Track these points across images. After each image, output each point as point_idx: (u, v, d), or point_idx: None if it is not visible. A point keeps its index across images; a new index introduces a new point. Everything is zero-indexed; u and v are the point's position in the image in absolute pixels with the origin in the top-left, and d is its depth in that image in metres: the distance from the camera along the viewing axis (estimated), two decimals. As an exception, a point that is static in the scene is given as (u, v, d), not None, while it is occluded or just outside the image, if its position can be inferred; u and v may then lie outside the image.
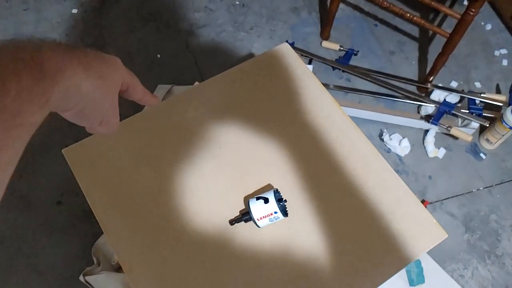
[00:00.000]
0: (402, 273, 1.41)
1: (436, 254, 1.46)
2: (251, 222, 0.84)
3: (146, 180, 0.89)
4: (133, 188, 0.89)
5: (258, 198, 0.83)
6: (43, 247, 1.42)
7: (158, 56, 1.80)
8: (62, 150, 0.92)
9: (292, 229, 0.85)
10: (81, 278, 1.33)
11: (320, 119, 0.98)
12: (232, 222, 0.86)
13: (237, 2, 1.93)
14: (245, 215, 0.85)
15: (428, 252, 1.46)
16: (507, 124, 1.52)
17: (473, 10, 1.38)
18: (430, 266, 1.44)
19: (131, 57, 1.79)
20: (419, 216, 0.89)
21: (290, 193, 0.88)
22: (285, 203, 0.84)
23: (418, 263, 1.43)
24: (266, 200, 0.82)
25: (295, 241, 0.85)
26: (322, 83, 1.63)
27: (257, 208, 0.82)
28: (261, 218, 0.82)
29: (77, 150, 0.93)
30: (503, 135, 1.56)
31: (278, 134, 0.96)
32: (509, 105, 1.59)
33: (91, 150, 0.93)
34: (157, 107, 0.98)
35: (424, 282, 1.41)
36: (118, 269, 1.36)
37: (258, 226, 0.84)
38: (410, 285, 1.40)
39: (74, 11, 1.89)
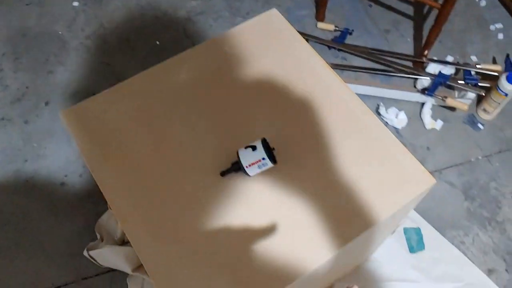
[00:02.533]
0: (402, 240, 1.42)
1: (436, 222, 1.47)
2: (243, 172, 0.87)
3: (141, 138, 0.92)
4: (129, 147, 0.92)
5: (246, 147, 0.86)
6: (48, 226, 1.46)
7: (157, 43, 1.84)
8: (60, 112, 0.95)
9: (282, 177, 0.88)
10: (85, 253, 1.36)
11: (308, 77, 1.00)
12: (224, 173, 0.89)
13: (230, -11, 1.97)
14: (235, 165, 0.87)
15: (428, 220, 1.46)
16: (502, 91, 1.53)
17: (462, -23, 1.40)
18: (430, 234, 1.44)
19: (131, 45, 1.83)
20: (408, 164, 0.91)
21: (280, 144, 0.90)
22: (274, 151, 0.87)
23: (418, 231, 1.44)
24: (254, 148, 0.85)
25: (285, 189, 0.87)
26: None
27: (245, 155, 0.85)
28: (250, 166, 0.85)
29: (74, 112, 0.96)
30: (499, 103, 1.57)
31: (268, 92, 0.98)
32: (503, 72, 1.59)
33: (88, 112, 0.96)
34: (151, 71, 1.02)
35: (424, 248, 1.41)
36: (122, 243, 1.39)
37: (248, 175, 0.87)
38: (410, 251, 1.41)
39: (75, 3, 1.94)
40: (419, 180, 0.90)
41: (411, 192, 0.88)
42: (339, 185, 0.87)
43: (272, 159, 0.85)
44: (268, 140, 0.87)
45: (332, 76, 1.00)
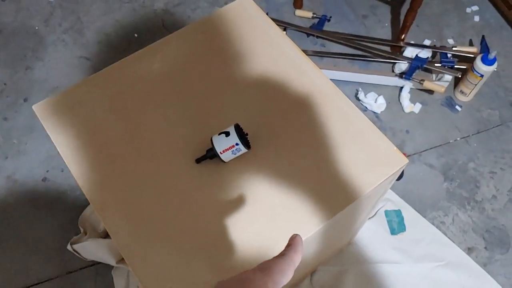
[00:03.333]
0: (383, 222, 1.44)
1: (417, 203, 1.49)
2: (217, 158, 0.88)
3: (116, 129, 0.93)
4: (104, 138, 0.92)
5: (220, 134, 0.87)
6: (31, 222, 1.46)
7: (136, 35, 1.83)
8: (33, 106, 0.95)
9: (257, 162, 0.89)
10: (68, 247, 1.37)
11: (281, 61, 1.01)
12: (199, 160, 0.90)
13: (210, -21, 1.97)
14: (209, 151, 0.88)
15: (409, 202, 1.49)
16: (478, 73, 1.55)
17: (434, -40, 1.41)
18: (410, 215, 1.47)
19: (109, 39, 1.82)
20: (381, 145, 0.92)
21: (254, 129, 0.91)
22: (247, 137, 0.88)
23: (399, 213, 1.46)
24: (227, 134, 0.86)
25: (261, 173, 0.88)
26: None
27: (219, 142, 0.86)
28: (224, 151, 0.86)
29: (47, 105, 0.96)
30: (476, 85, 1.59)
31: (242, 78, 0.99)
32: (479, 54, 1.61)
33: (61, 104, 0.96)
34: (125, 61, 1.02)
35: (405, 230, 1.44)
36: (105, 236, 1.40)
37: (223, 161, 0.88)
38: (392, 233, 1.43)
39: (51, -2, 1.93)
40: (392, 160, 0.91)
41: (384, 172, 0.89)
42: (314, 168, 0.88)
43: (246, 144, 0.86)
44: (241, 126, 0.88)
45: (305, 61, 1.00)
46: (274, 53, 1.02)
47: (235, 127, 0.86)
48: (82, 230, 1.41)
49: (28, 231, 1.45)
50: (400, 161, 0.92)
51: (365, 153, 0.90)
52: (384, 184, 0.93)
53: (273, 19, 1.80)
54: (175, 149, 0.90)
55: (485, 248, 1.44)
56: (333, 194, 0.86)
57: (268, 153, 0.90)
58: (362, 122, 0.94)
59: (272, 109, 0.95)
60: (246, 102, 0.96)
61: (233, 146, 0.85)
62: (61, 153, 0.91)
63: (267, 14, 1.84)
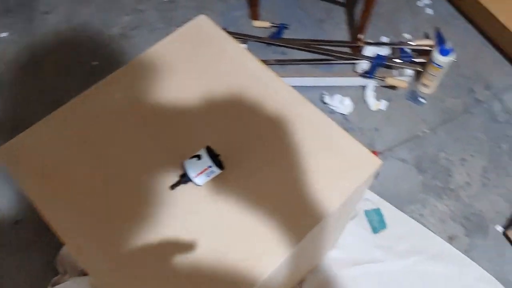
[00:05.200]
0: (364, 223, 1.45)
1: (394, 199, 1.51)
2: (192, 183, 0.86)
3: (84, 164, 0.90)
4: (73, 175, 0.89)
5: (192, 158, 0.86)
6: (7, 267, 1.40)
7: (95, 63, 1.80)
8: (-5, 150, 0.92)
9: (231, 182, 0.88)
10: (49, 289, 1.32)
11: (244, 77, 1.00)
12: (173, 186, 0.88)
13: (164, -1, 1.96)
14: (183, 177, 0.87)
15: (386, 199, 1.50)
16: (437, 64, 1.59)
17: (382, -40, 1.44)
18: (390, 212, 1.48)
19: (69, 69, 1.79)
20: (353, 149, 0.93)
21: (225, 149, 0.90)
22: (219, 157, 0.87)
23: (378, 211, 1.47)
24: (199, 157, 0.85)
25: (236, 193, 0.87)
26: (261, 60, 1.65)
27: (191, 166, 0.84)
28: (197, 175, 0.84)
29: (9, 149, 0.93)
30: (436, 76, 1.63)
31: (206, 99, 0.98)
32: (436, 46, 1.64)
33: (24, 146, 0.93)
34: (86, 94, 0.99)
35: (386, 227, 1.45)
36: (86, 273, 1.36)
37: (198, 184, 0.86)
38: (374, 232, 1.44)
39: (4, 34, 1.88)
40: (365, 163, 0.91)
41: (359, 177, 0.90)
42: (288, 182, 0.87)
43: (219, 165, 0.85)
44: (212, 147, 0.87)
45: (267, 72, 1.00)
46: (236, 70, 1.01)
47: (206, 149, 0.85)
48: (61, 270, 1.36)
49: (4, 278, 1.39)
50: (373, 163, 0.92)
51: (338, 159, 0.91)
52: (361, 187, 0.93)
53: (232, 33, 1.82)
54: (148, 178, 0.89)
55: (466, 235, 1.47)
56: (309, 207, 0.85)
57: (241, 171, 0.89)
58: (331, 129, 0.95)
59: (240, 126, 0.94)
60: (215, 122, 0.95)
61: (206, 169, 0.84)
62: (30, 197, 0.88)
63: (225, 29, 1.84)
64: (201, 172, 0.84)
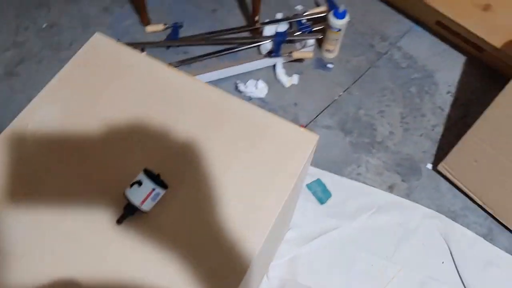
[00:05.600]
0: (310, 197, 1.47)
1: (331, 166, 1.54)
2: (139, 211, 0.81)
3: (16, 221, 0.82)
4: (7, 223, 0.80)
5: (132, 185, 0.80)
6: None
7: (-14, 111, 1.64)
8: None
9: (177, 200, 0.84)
10: None
11: (160, 87, 0.96)
12: (120, 220, 0.82)
13: (44, 25, 1.82)
14: (127, 208, 0.81)
15: (323, 168, 1.53)
16: (335, 28, 1.63)
17: None
18: (330, 179, 1.52)
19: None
20: (289, 131, 0.93)
21: (163, 166, 0.85)
22: (160, 177, 0.82)
23: (319, 182, 1.50)
24: (140, 183, 0.79)
25: (187, 209, 0.83)
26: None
27: (134, 194, 0.79)
28: (143, 202, 0.79)
29: None
30: (337, 39, 1.68)
31: (128, 121, 0.92)
32: (329, 11, 1.69)
33: None
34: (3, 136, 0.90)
35: (331, 195, 1.48)
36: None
37: (146, 211, 0.81)
38: (321, 203, 1.47)
39: None
40: (303, 141, 0.92)
41: (302, 156, 0.90)
42: (236, 181, 0.85)
43: (162, 185, 0.81)
44: (150, 169, 0.83)
45: (178, 76, 0.97)
46: (150, 81, 0.96)
47: (144, 172, 0.80)
48: None
49: None
50: (311, 139, 0.93)
51: (277, 145, 0.90)
52: (306, 165, 0.94)
53: (128, 44, 1.73)
54: (91, 217, 0.82)
55: (402, 180, 1.54)
56: (263, 201, 0.84)
57: (186, 185, 0.85)
58: (262, 116, 0.94)
59: (170, 138, 0.90)
60: (143, 142, 0.90)
61: (150, 193, 0.79)
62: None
63: (118, 40, 1.76)
64: (146, 198, 0.79)
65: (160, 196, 0.81)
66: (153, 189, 0.79)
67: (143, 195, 0.79)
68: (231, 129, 0.91)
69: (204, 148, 0.89)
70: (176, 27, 1.79)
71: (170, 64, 1.69)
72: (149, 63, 0.99)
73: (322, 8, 1.78)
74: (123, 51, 1.01)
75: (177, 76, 0.97)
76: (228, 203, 0.83)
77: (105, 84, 0.96)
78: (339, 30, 1.64)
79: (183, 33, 1.80)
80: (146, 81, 0.96)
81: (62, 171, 0.86)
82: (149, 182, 0.79)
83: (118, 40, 1.75)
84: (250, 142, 0.90)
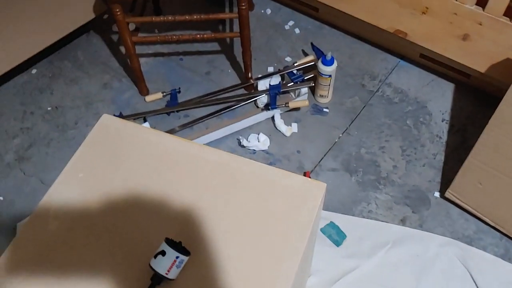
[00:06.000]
0: (326, 240, 1.49)
1: (341, 207, 1.58)
2: (165, 281, 0.84)
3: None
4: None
5: (156, 256, 0.84)
6: None
7: (1, 198, 1.69)
8: None
9: (201, 263, 0.87)
10: None
11: (171, 158, 1.01)
12: (148, 292, 0.86)
13: (49, 108, 1.90)
14: (154, 278, 0.84)
15: (334, 210, 1.56)
16: (325, 75, 1.71)
17: (243, 4, 1.54)
18: (343, 221, 1.54)
19: (-25, 216, 1.66)
20: (295, 183, 0.97)
21: (182, 234, 0.89)
22: (182, 244, 0.86)
23: (333, 225, 1.53)
24: (163, 253, 0.83)
25: (210, 273, 0.86)
26: (167, 131, 1.70)
27: (159, 264, 0.83)
28: (169, 271, 0.83)
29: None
30: (328, 85, 1.75)
31: (145, 192, 0.97)
32: (318, 59, 1.77)
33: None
34: (16, 235, 0.94)
35: (346, 236, 1.51)
36: None
37: (172, 279, 0.85)
38: (337, 245, 1.49)
39: None
40: (312, 191, 0.96)
41: (313, 206, 0.94)
42: (253, 239, 0.89)
43: (184, 252, 0.84)
44: (171, 237, 0.86)
45: (184, 144, 1.02)
46: (161, 153, 1.02)
47: (166, 242, 0.84)
48: None
49: None
50: (319, 188, 0.97)
51: (288, 199, 0.94)
52: (318, 214, 0.97)
53: (130, 115, 1.81)
54: (119, 294, 0.85)
55: (413, 212, 1.57)
56: (281, 255, 0.87)
57: (207, 249, 0.88)
58: (269, 173, 0.98)
59: (185, 207, 0.94)
60: (159, 213, 0.94)
61: (175, 262, 0.83)
62: None
63: (120, 113, 1.84)
64: (171, 266, 0.82)
65: (184, 263, 0.84)
66: (177, 257, 0.83)
67: (168, 264, 0.82)
68: (241, 190, 0.96)
69: (219, 211, 0.93)
70: (174, 93, 1.87)
71: (173, 129, 1.76)
72: (156, 135, 1.05)
73: (311, 57, 1.87)
74: (130, 127, 1.07)
75: (183, 144, 1.02)
76: (248, 261, 0.86)
77: (118, 162, 1.01)
78: (330, 76, 1.71)
79: (181, 97, 1.88)
80: (155, 153, 1.01)
81: (87, 249, 0.90)
82: (172, 250, 0.83)
83: (120, 113, 1.83)
84: (261, 199, 0.94)
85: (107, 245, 0.90)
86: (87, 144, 1.05)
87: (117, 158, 1.02)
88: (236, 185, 0.96)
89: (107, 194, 0.97)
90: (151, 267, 0.83)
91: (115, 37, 2.12)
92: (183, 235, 0.89)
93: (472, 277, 1.42)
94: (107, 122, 1.10)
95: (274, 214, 0.92)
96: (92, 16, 1.94)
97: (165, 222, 0.92)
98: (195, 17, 1.60)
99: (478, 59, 1.63)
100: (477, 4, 1.55)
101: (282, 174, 0.98)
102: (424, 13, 1.66)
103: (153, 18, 1.62)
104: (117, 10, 1.56)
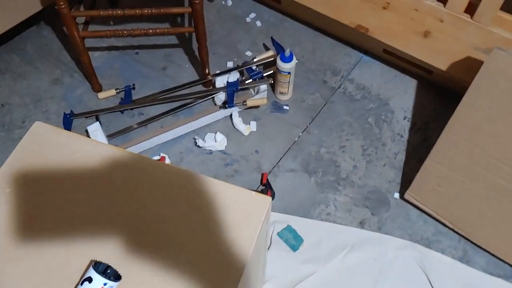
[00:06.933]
0: (282, 245, 1.45)
1: (299, 210, 1.53)
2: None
3: None
4: None
5: (82, 283, 0.77)
6: None
7: None
8: None
9: (135, 287, 0.81)
10: None
11: (105, 168, 0.94)
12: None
13: (-6, 106, 1.79)
14: (79, 309, 0.78)
15: (291, 213, 1.52)
16: (284, 71, 1.65)
17: (196, -2, 1.46)
18: (300, 224, 1.50)
19: None
20: (240, 197, 0.91)
21: (115, 254, 0.83)
22: (111, 269, 0.80)
23: (290, 228, 1.48)
24: (90, 279, 0.77)
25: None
26: (120, 130, 1.62)
27: (84, 293, 0.76)
28: (94, 301, 0.77)
29: None
30: (288, 82, 1.69)
31: (75, 206, 0.90)
32: (277, 55, 1.70)
33: None
34: None
35: (303, 240, 1.46)
36: None
37: (99, 309, 0.78)
38: (294, 250, 1.44)
39: None
40: (257, 205, 0.91)
41: (258, 220, 0.89)
42: (195, 260, 0.83)
43: (114, 277, 0.78)
44: (99, 259, 0.80)
45: (122, 154, 0.95)
46: (92, 165, 0.95)
47: (93, 266, 0.78)
48: None
49: None
50: (265, 201, 0.92)
51: (232, 213, 0.89)
52: (263, 227, 0.92)
53: (81, 113, 1.72)
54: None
55: (372, 214, 1.54)
56: (225, 267, 0.82)
57: (140, 274, 0.82)
58: (210, 184, 0.93)
59: (120, 223, 0.88)
60: (89, 230, 0.87)
61: (101, 289, 0.77)
62: None
63: (71, 112, 1.74)
64: (97, 295, 0.76)
65: (113, 290, 0.78)
66: (105, 284, 0.76)
67: (94, 292, 0.76)
68: (183, 203, 0.90)
69: (158, 228, 0.87)
70: (128, 90, 1.78)
71: (127, 128, 1.68)
72: (92, 145, 0.98)
73: (270, 52, 1.80)
74: (64, 137, 0.99)
75: (121, 155, 0.96)
76: (188, 280, 0.81)
77: (48, 175, 0.94)
78: (289, 73, 1.65)
79: (136, 94, 1.80)
80: (90, 165, 0.94)
81: (5, 273, 0.82)
82: (99, 276, 0.76)
83: (71, 111, 1.74)
84: (204, 214, 0.89)
85: (29, 268, 0.83)
86: (15, 155, 0.97)
87: (48, 171, 0.94)
88: (177, 199, 0.90)
89: (35, 211, 0.89)
90: (76, 296, 0.77)
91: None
92: (115, 256, 0.83)
93: (429, 281, 1.40)
94: (40, 130, 1.02)
95: (218, 229, 0.86)
96: (39, 7, 1.82)
97: (96, 242, 0.86)
98: (146, 11, 1.51)
99: (439, 57, 1.59)
100: (438, 0, 1.50)
101: (226, 187, 0.93)
102: (385, 9, 1.60)
103: (101, 12, 1.52)
104: (61, 3, 1.46)
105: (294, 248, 1.45)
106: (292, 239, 1.46)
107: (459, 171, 1.37)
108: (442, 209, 1.47)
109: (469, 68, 1.54)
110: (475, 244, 1.46)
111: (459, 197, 1.41)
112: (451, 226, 1.47)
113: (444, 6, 1.49)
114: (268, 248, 1.44)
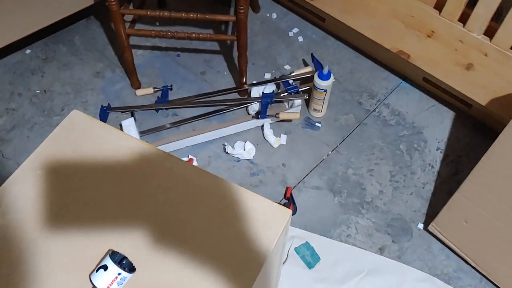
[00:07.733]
0: (298, 261, 1.44)
1: (319, 228, 1.52)
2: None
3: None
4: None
5: (97, 270, 0.79)
6: None
7: (-23, 178, 1.65)
8: None
9: (147, 281, 0.82)
10: None
11: (133, 163, 0.96)
12: (85, 306, 0.81)
13: (37, 91, 1.86)
14: (93, 293, 0.80)
15: (311, 230, 1.51)
16: (320, 89, 1.65)
17: (241, 8, 1.48)
18: (319, 242, 1.49)
19: None
20: (261, 207, 0.92)
21: (132, 247, 0.85)
22: (127, 260, 0.81)
23: (308, 245, 1.47)
24: (105, 267, 0.78)
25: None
26: (153, 128, 1.64)
27: (99, 279, 0.78)
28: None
29: None
30: (323, 99, 1.69)
31: (100, 196, 0.92)
32: (315, 71, 1.71)
33: None
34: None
35: (320, 259, 1.45)
36: None
37: (112, 298, 0.80)
38: (310, 268, 1.43)
39: None
40: (276, 217, 0.91)
41: (275, 232, 0.89)
42: (208, 263, 0.84)
43: (128, 268, 0.80)
44: (117, 249, 0.82)
45: (153, 150, 0.97)
46: (121, 157, 0.97)
47: (110, 255, 0.80)
48: None
49: None
50: (284, 214, 0.92)
51: (251, 221, 0.89)
52: (280, 240, 0.92)
53: (117, 108, 1.77)
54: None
55: (393, 241, 1.51)
56: (235, 276, 0.82)
57: (155, 269, 0.83)
58: (235, 191, 0.93)
59: (141, 217, 0.89)
60: (111, 220, 0.89)
61: (116, 278, 0.78)
62: None
63: (108, 105, 1.79)
64: (111, 283, 0.78)
65: (126, 280, 0.79)
66: (119, 274, 0.78)
67: (108, 280, 0.78)
68: (205, 206, 0.91)
69: (178, 227, 0.88)
70: (165, 90, 1.82)
71: (160, 127, 1.72)
72: (124, 139, 1.00)
73: (309, 68, 1.81)
74: (98, 128, 1.02)
75: (152, 152, 0.98)
76: (199, 282, 0.82)
77: (79, 163, 0.96)
78: (325, 90, 1.65)
79: (172, 95, 1.83)
80: (120, 158, 0.97)
81: (30, 247, 0.85)
82: (114, 265, 0.78)
83: (109, 104, 1.79)
84: (224, 219, 0.89)
85: (51, 248, 0.86)
86: (50, 140, 1.01)
87: (79, 158, 0.97)
88: (200, 200, 0.92)
89: (62, 195, 0.92)
90: (90, 280, 0.79)
91: (114, 25, 2.07)
92: (133, 249, 0.84)
93: (445, 318, 1.37)
94: (76, 118, 1.05)
95: (235, 235, 0.87)
96: (91, 1, 1.89)
97: (117, 231, 0.88)
98: (191, 15, 1.55)
99: (480, 91, 1.56)
100: (484, 33, 1.48)
101: (249, 195, 0.93)
102: (430, 37, 1.59)
103: (149, 12, 1.56)
104: (112, 0, 1.52)
105: (310, 265, 1.44)
106: (309, 256, 1.45)
107: (488, 209, 1.33)
108: (466, 246, 1.43)
109: (509, 105, 1.51)
110: (497, 286, 1.41)
111: (485, 235, 1.37)
112: (473, 264, 1.43)
113: (490, 41, 1.47)
114: (284, 262, 1.44)
